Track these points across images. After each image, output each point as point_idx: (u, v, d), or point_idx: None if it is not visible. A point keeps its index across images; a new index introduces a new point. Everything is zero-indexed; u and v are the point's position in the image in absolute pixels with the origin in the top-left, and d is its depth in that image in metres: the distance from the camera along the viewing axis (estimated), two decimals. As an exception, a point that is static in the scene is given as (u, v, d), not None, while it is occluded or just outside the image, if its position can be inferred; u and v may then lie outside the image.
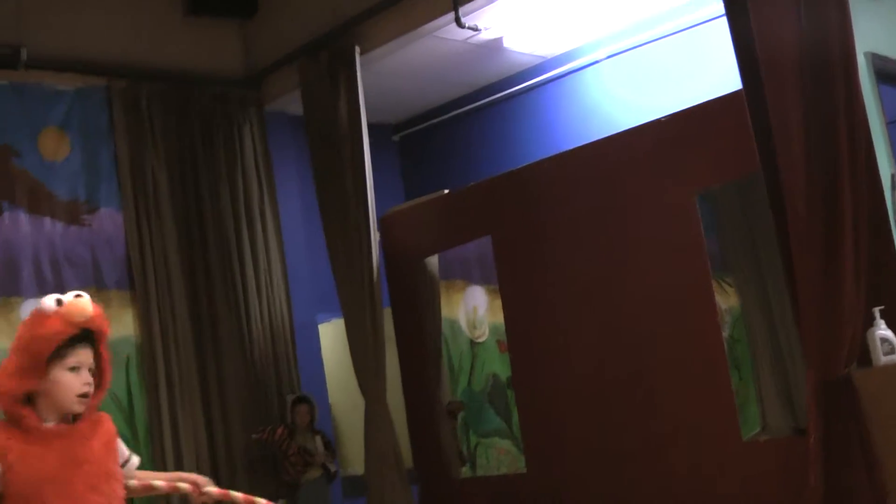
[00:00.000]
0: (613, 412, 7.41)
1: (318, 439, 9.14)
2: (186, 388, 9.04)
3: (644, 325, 7.24)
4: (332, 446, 9.21)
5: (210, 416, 9.16)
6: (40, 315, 3.39)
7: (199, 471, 8.88)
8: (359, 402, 9.01)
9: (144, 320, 8.94)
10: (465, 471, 9.28)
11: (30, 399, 3.39)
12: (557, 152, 8.13)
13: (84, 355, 3.41)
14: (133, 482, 3.67)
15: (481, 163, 10.30)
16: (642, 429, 7.22)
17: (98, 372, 3.49)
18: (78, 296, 3.46)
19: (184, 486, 3.72)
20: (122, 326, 8.90)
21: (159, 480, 3.74)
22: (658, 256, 7.17)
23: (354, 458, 9.18)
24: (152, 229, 9.10)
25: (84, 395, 3.39)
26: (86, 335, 3.44)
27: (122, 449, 3.61)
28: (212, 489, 3.66)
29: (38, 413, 3.36)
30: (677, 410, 7.05)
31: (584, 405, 7.59)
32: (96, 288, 8.82)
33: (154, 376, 8.88)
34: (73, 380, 3.35)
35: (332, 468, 9.11)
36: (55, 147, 8.85)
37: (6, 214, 8.52)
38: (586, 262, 7.61)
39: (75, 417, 3.45)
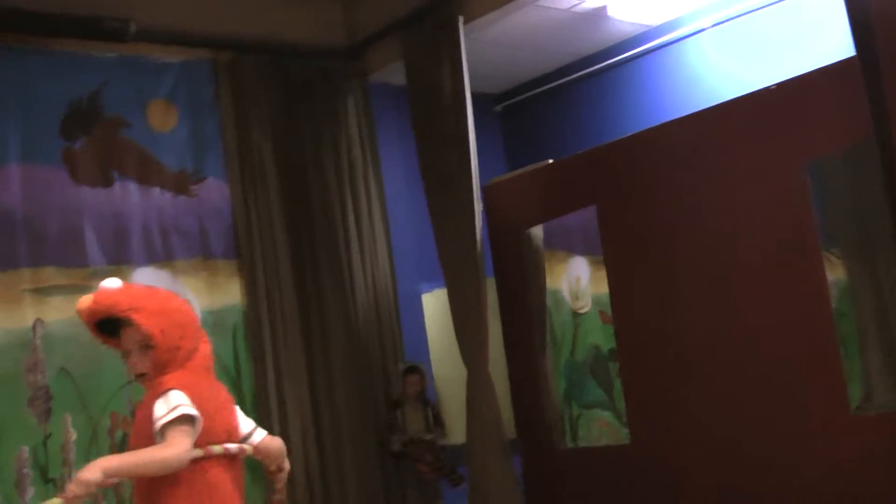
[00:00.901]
0: (720, 385, 7.34)
1: (428, 411, 9.19)
2: (292, 356, 9.14)
3: (752, 297, 7.15)
4: (441, 419, 9.25)
5: (315, 384, 9.26)
6: None
7: (304, 439, 9.02)
8: (461, 372, 9.03)
9: (250, 289, 9.05)
10: (567, 441, 9.25)
11: None
12: (662, 122, 8.04)
13: (125, 339, 3.42)
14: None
15: (584, 133, 10.22)
16: (750, 401, 7.14)
17: (147, 339, 3.44)
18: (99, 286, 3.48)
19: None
20: (228, 295, 9.04)
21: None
22: (766, 227, 7.07)
23: (456, 428, 9.20)
24: (258, 199, 9.21)
25: (138, 376, 3.42)
26: (120, 320, 3.43)
27: (154, 413, 3.52)
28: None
29: None
30: (786, 382, 6.96)
31: (691, 377, 7.53)
32: (203, 257, 8.97)
33: (260, 345, 9.00)
34: (126, 363, 3.49)
35: (439, 441, 9.15)
36: (163, 118, 9.00)
37: (116, 184, 8.69)
38: (693, 232, 7.53)
39: None
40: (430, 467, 9.13)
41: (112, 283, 3.33)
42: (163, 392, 3.39)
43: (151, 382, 3.35)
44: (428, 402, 9.28)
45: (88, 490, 3.24)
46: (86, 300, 3.28)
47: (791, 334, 6.92)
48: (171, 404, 3.37)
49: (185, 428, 3.38)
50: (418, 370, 9.28)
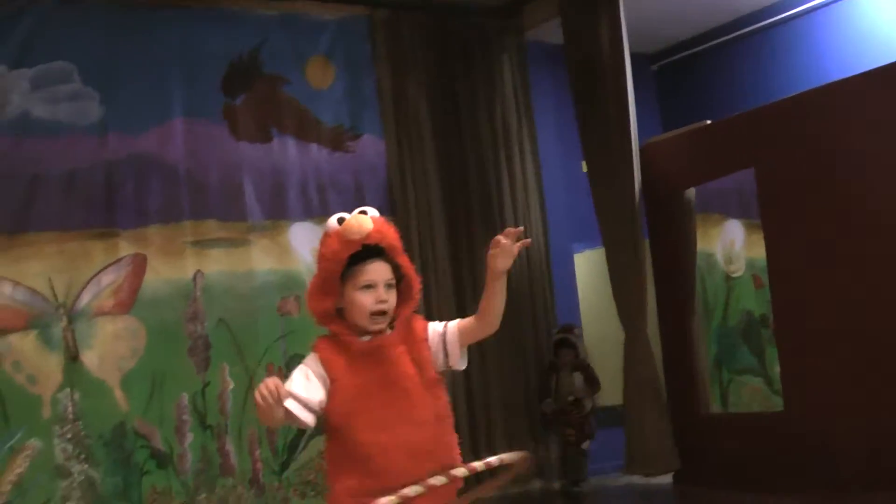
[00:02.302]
0: (883, 354, 7.15)
1: (578, 376, 9.18)
2: (444, 315, 9.17)
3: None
4: (594, 381, 9.21)
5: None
6: (325, 235, 3.32)
7: (454, 398, 9.08)
8: (613, 332, 8.99)
9: (405, 246, 9.06)
10: (717, 406, 9.15)
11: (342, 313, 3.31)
12: (828, 82, 7.81)
13: (376, 272, 3.24)
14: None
15: (744, 93, 10.00)
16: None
17: (402, 284, 3.37)
18: (362, 212, 3.35)
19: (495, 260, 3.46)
20: (382, 252, 9.12)
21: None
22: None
23: (608, 388, 9.17)
24: (413, 156, 9.27)
25: (379, 313, 3.31)
26: (377, 250, 3.34)
27: (434, 330, 3.38)
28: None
29: (350, 328, 3.27)
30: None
31: (851, 345, 7.35)
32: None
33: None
34: (365, 298, 3.22)
35: (586, 407, 9.13)
36: (321, 75, 9.10)
37: (275, 140, 8.83)
38: (856, 196, 7.32)
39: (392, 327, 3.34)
40: (575, 432, 9.13)
41: (375, 211, 3.33)
42: (423, 327, 3.36)
43: (391, 321, 3.29)
44: (581, 366, 9.25)
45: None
46: (364, 222, 3.23)
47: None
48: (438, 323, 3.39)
49: None
50: (570, 343, 9.24)
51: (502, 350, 9.40)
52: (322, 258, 3.29)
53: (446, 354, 3.40)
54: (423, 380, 3.27)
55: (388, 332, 3.29)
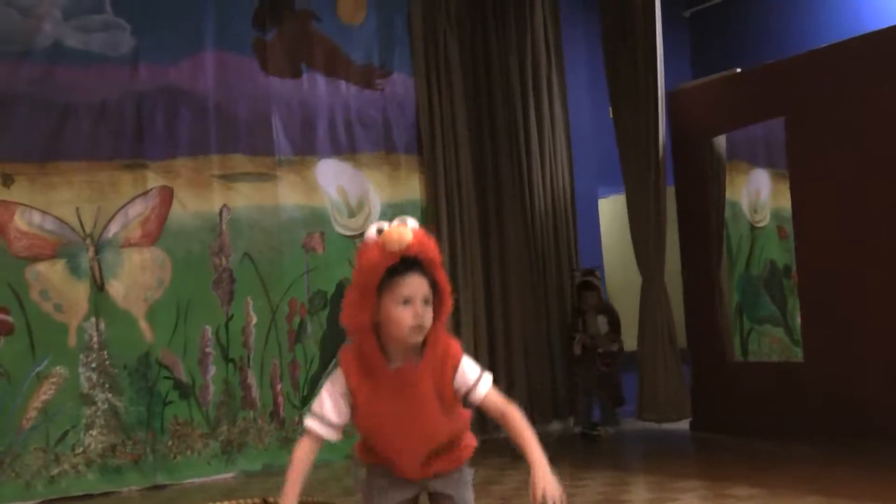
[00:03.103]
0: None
1: (602, 319, 9.20)
2: (469, 253, 9.24)
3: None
4: (616, 324, 9.24)
5: (490, 281, 9.36)
6: (363, 246, 3.21)
7: (476, 336, 9.15)
8: (634, 278, 9.00)
9: (431, 185, 9.14)
10: (738, 354, 9.17)
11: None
12: (864, 32, 7.74)
13: (414, 286, 3.13)
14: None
15: (776, 42, 9.90)
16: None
17: (436, 300, 3.21)
18: (402, 223, 3.28)
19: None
20: (408, 190, 9.16)
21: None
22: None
23: (627, 334, 9.20)
24: (442, 96, 9.26)
25: (415, 328, 3.16)
26: (415, 263, 3.18)
27: (467, 375, 3.29)
28: (550, 496, 3.37)
29: (384, 344, 3.23)
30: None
31: (873, 298, 7.35)
32: (386, 151, 9.09)
33: (438, 241, 9.06)
34: (403, 313, 3.13)
35: (613, 348, 9.16)
36: (353, 11, 9.07)
37: (304, 76, 8.83)
38: (886, 152, 7.28)
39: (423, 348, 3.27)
40: (604, 369, 9.17)
41: (415, 222, 3.24)
42: (456, 354, 3.32)
43: (424, 338, 3.24)
44: (603, 309, 9.26)
45: None
46: (405, 233, 3.15)
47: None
48: (476, 367, 3.34)
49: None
50: (592, 286, 9.25)
51: (525, 292, 9.44)
52: (360, 269, 3.20)
53: (465, 395, 3.39)
54: (443, 406, 3.23)
55: (417, 358, 3.26)
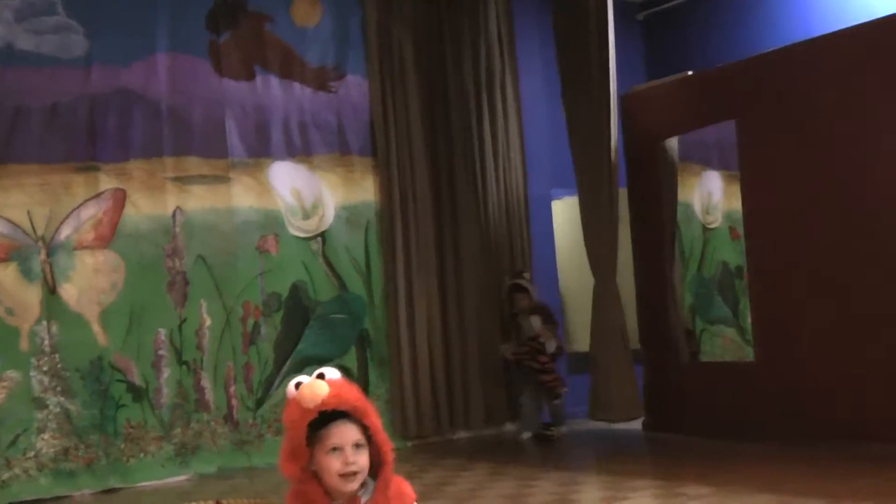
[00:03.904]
0: (854, 308, 7.24)
1: (536, 319, 9.17)
2: (423, 255, 9.26)
3: (890, 219, 7.00)
4: (553, 320, 9.22)
5: (444, 282, 9.39)
6: (286, 402, 3.26)
7: (430, 335, 9.17)
8: (587, 279, 9.06)
9: (385, 187, 9.16)
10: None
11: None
12: (812, 36, 7.84)
13: (341, 434, 3.15)
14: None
15: (727, 46, 9.99)
16: (884, 323, 7.03)
17: (372, 447, 3.23)
18: (319, 375, 3.28)
19: None
20: (363, 192, 9.17)
21: None
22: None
23: (580, 335, 9.25)
24: (396, 98, 9.28)
25: (349, 475, 3.16)
26: (340, 413, 3.18)
27: None
28: None
29: (324, 490, 3.21)
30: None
31: (823, 299, 7.43)
32: (340, 153, 9.10)
33: (392, 242, 9.12)
34: (332, 462, 3.15)
35: (549, 349, 9.14)
36: (307, 13, 9.08)
37: (258, 78, 8.82)
38: (833, 153, 7.37)
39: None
40: (539, 367, 9.15)
41: (335, 373, 3.23)
42: (410, 495, 3.31)
43: (364, 482, 3.22)
44: (535, 310, 9.24)
45: None
46: (319, 388, 3.14)
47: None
48: None
49: None
50: (522, 287, 9.25)
51: (479, 294, 9.48)
52: (287, 425, 3.23)
53: None
54: None
55: (364, 497, 3.25)
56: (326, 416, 3.17)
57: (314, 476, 3.22)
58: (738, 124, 8.11)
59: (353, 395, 3.19)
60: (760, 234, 8.00)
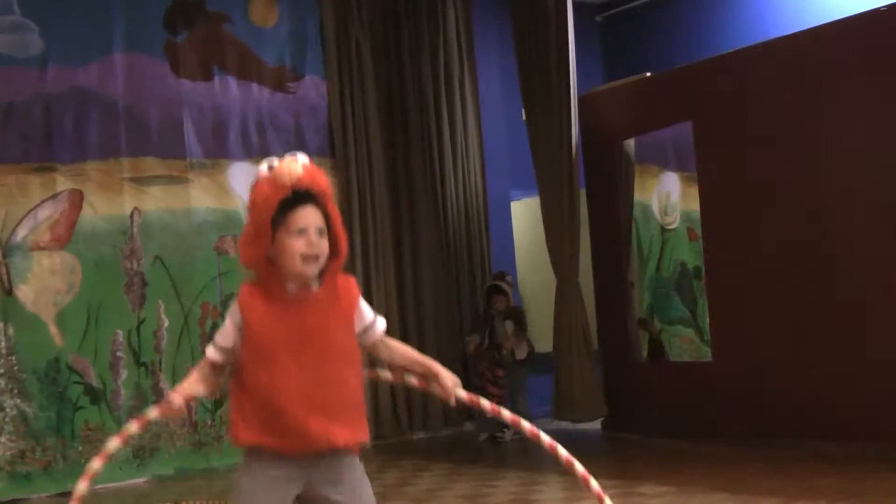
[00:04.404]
0: (809, 309, 7.30)
1: (510, 324, 9.18)
2: (381, 254, 9.26)
3: (847, 221, 7.08)
4: (523, 327, 9.22)
5: (402, 285, 9.40)
6: (255, 183, 3.29)
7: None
8: (547, 280, 9.08)
9: (343, 187, 9.15)
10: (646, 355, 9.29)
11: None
12: (768, 39, 7.91)
13: (308, 217, 3.18)
14: (385, 373, 3.43)
15: (686, 47, 10.07)
16: (839, 323, 7.11)
17: (331, 236, 3.24)
18: (293, 158, 3.34)
19: (437, 389, 3.46)
20: (322, 192, 9.12)
21: (412, 377, 3.45)
22: (873, 153, 6.96)
23: (541, 336, 9.27)
24: (354, 99, 9.27)
25: (311, 257, 3.19)
26: (309, 197, 3.37)
27: (364, 313, 3.34)
28: (461, 394, 3.43)
29: (280, 278, 3.25)
30: (874, 301, 6.92)
31: (780, 300, 7.49)
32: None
33: (350, 243, 9.04)
34: (297, 243, 3.18)
35: (519, 355, 9.15)
36: (265, 14, 9.05)
37: (216, 79, 8.78)
38: (790, 155, 7.42)
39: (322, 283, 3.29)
40: (492, 378, 9.16)
41: (305, 158, 3.28)
42: (355, 290, 3.34)
43: (323, 269, 3.26)
44: (510, 314, 9.25)
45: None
46: (296, 168, 3.19)
47: (882, 257, 6.86)
48: (371, 309, 3.36)
49: None
50: (502, 290, 9.25)
51: (437, 295, 9.49)
52: (253, 205, 3.26)
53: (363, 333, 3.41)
54: (340, 341, 3.25)
55: (316, 286, 3.30)
56: (293, 199, 3.22)
57: (271, 262, 3.27)
58: (695, 126, 8.16)
59: (324, 179, 3.26)
60: (718, 235, 8.05)
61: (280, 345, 3.23)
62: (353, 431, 3.27)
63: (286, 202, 3.19)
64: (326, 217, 3.23)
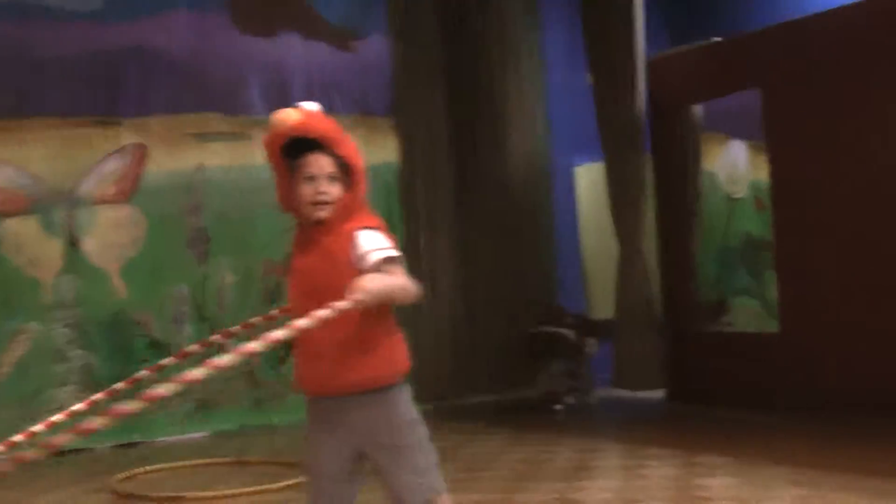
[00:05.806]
0: (881, 280, 7.17)
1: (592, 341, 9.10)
2: (444, 215, 9.21)
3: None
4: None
5: (465, 243, 9.35)
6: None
7: (452, 295, 9.14)
8: (611, 247, 8.99)
9: (406, 147, 9.11)
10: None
11: None
12: (845, 3, 7.73)
13: (314, 164, 3.27)
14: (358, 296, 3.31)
15: (755, 11, 9.86)
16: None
17: (345, 175, 3.31)
18: (298, 107, 3.38)
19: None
20: (384, 152, 9.10)
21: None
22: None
23: (603, 303, 9.19)
24: (418, 59, 9.20)
25: (319, 203, 3.29)
26: (315, 144, 3.29)
27: (359, 245, 3.29)
28: (357, 297, 3.32)
29: (303, 221, 3.37)
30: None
31: (849, 271, 7.36)
32: (361, 113, 9.02)
33: (413, 204, 9.08)
34: (305, 189, 3.28)
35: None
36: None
37: (280, 36, 8.76)
38: (863, 122, 7.27)
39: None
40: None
41: (314, 105, 3.30)
42: (363, 227, 3.32)
43: (334, 216, 3.27)
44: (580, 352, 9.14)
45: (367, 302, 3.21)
46: (290, 115, 3.22)
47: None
48: (382, 242, 3.31)
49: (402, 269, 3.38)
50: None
51: (500, 253, 9.42)
52: (266, 153, 3.38)
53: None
54: (337, 283, 3.18)
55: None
56: (302, 146, 3.29)
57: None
58: (764, 93, 8.02)
59: (323, 124, 3.32)
60: (787, 205, 7.91)
61: (295, 287, 3.40)
62: (348, 373, 3.31)
63: (292, 150, 3.29)
64: (342, 162, 3.26)
